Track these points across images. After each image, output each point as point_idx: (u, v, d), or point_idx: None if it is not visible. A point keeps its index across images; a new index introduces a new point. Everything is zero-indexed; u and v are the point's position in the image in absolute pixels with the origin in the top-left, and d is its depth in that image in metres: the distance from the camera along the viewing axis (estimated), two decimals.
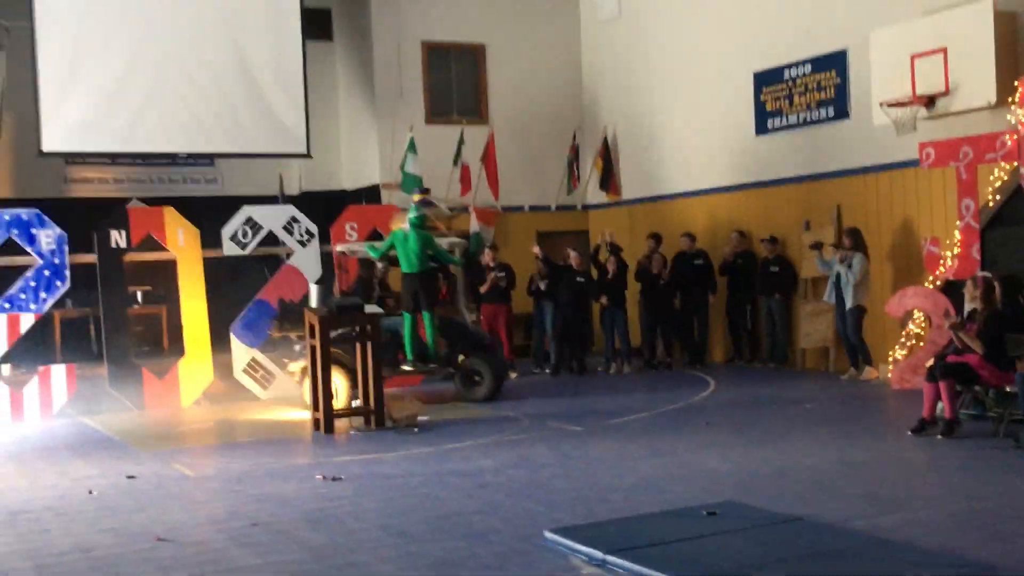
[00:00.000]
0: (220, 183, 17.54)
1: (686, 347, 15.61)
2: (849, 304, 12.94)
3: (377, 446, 9.79)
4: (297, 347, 12.35)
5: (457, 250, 13.45)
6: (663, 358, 15.41)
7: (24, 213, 12.49)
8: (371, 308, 11.28)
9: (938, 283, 12.22)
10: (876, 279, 13.18)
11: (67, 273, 12.59)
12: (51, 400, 12.37)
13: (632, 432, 10.09)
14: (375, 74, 17.35)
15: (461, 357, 12.57)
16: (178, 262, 13.35)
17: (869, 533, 6.17)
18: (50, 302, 12.63)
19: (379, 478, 8.30)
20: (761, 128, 15.30)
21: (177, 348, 13.49)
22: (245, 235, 13.57)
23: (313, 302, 11.20)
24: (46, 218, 12.56)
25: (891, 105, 12.48)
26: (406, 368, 12.43)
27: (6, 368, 12.83)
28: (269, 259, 14.42)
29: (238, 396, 13.24)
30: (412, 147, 16.15)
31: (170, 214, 13.36)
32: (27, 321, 12.44)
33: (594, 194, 18.47)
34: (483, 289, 14.69)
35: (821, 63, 14.30)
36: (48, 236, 12.53)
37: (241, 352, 13.31)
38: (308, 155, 16.68)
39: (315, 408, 10.68)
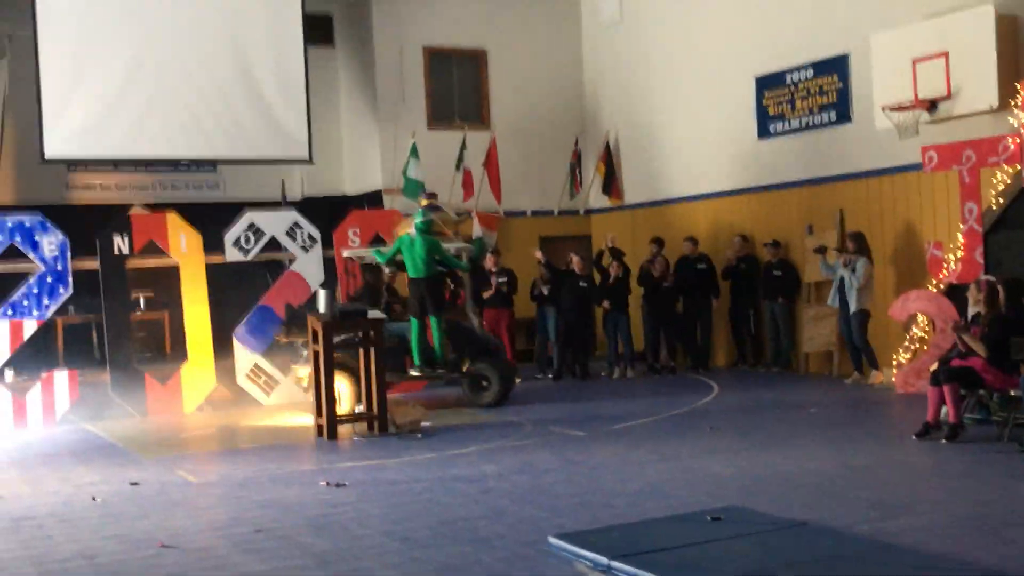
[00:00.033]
0: (222, 189, 17.52)
1: (689, 351, 15.58)
2: (853, 308, 12.92)
3: (380, 452, 9.78)
4: (304, 353, 12.34)
5: (464, 255, 13.44)
6: (666, 362, 15.40)
7: (27, 219, 12.51)
8: (375, 313, 11.27)
9: (941, 287, 12.21)
10: (879, 283, 13.17)
11: (70, 279, 12.60)
12: (54, 406, 12.37)
13: (636, 437, 10.08)
14: (377, 79, 17.36)
15: (468, 362, 12.54)
16: (181, 268, 13.34)
17: (873, 538, 6.16)
18: (53, 308, 12.64)
19: (383, 484, 8.29)
20: (763, 132, 15.30)
21: (180, 354, 13.47)
22: (248, 240, 13.58)
23: (321, 307, 11.20)
24: (49, 224, 12.57)
25: (893, 109, 12.49)
26: (414, 373, 12.41)
27: (9, 374, 12.82)
28: (272, 264, 14.45)
29: (241, 402, 13.25)
30: (414, 152, 16.17)
31: (172, 220, 13.37)
32: (30, 327, 12.44)
33: (596, 198, 18.46)
34: (486, 294, 14.67)
35: (823, 67, 14.31)
36: (51, 242, 12.55)
37: (244, 357, 13.31)
38: (310, 160, 16.69)
39: (318, 414, 10.68)
